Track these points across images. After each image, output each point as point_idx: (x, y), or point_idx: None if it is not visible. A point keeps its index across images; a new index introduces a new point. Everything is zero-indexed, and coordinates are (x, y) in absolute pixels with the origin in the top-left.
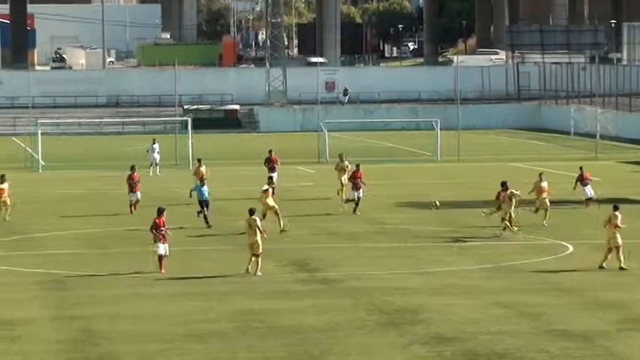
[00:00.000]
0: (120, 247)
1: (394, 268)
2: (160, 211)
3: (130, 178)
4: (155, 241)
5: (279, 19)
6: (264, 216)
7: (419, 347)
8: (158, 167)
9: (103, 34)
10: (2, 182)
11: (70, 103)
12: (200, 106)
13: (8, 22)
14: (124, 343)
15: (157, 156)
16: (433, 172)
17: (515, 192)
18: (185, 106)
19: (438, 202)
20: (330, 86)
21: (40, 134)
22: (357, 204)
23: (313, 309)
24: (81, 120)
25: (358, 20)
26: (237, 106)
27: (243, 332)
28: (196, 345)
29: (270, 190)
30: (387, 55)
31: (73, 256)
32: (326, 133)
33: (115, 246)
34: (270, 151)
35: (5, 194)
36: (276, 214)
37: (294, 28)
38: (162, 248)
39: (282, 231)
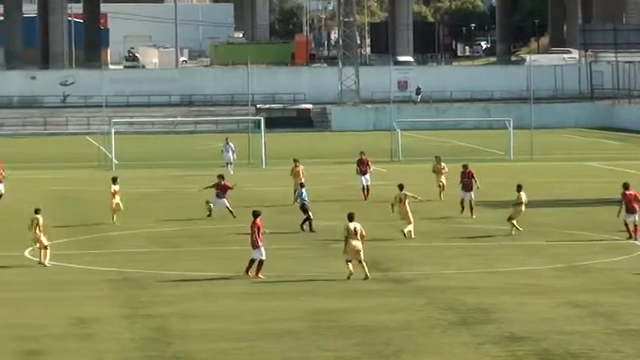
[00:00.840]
0: (192, 245)
1: (467, 268)
2: (256, 214)
3: (218, 186)
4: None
5: (351, 18)
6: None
7: (492, 347)
8: (232, 166)
9: (176, 33)
10: (115, 183)
11: (143, 102)
12: (273, 105)
13: (82, 21)
14: (197, 342)
15: (231, 155)
16: (506, 171)
17: None
18: (258, 105)
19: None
20: (402, 85)
21: (113, 133)
22: (471, 207)
23: (386, 308)
24: (154, 119)
25: (430, 19)
26: (309, 105)
27: (315, 331)
28: (268, 344)
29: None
30: (459, 54)
31: (145, 255)
32: (399, 132)
33: (188, 245)
34: (361, 153)
35: (118, 196)
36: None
37: (366, 27)
38: (261, 252)
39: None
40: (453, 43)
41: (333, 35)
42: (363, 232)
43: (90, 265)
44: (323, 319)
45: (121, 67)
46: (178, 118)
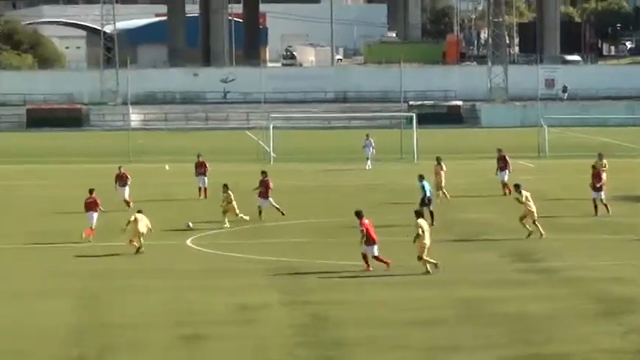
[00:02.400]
0: (347, 236)
1: (613, 259)
2: (359, 214)
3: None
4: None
5: (500, 19)
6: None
7: (637, 336)
8: (369, 161)
9: (331, 32)
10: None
11: (300, 99)
12: (424, 102)
13: (242, 20)
14: (351, 329)
15: (371, 150)
16: None
17: None
18: (410, 102)
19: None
20: (549, 83)
21: (271, 128)
22: (603, 204)
23: (534, 298)
24: (310, 114)
25: (577, 20)
26: (459, 102)
27: (465, 319)
28: (420, 331)
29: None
30: (604, 53)
31: (303, 245)
32: (545, 128)
33: (342, 235)
34: (499, 150)
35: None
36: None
37: (514, 27)
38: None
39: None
40: (599, 42)
41: (483, 35)
42: (423, 227)
43: (249, 254)
44: (472, 307)
45: (279, 64)
46: (333, 114)
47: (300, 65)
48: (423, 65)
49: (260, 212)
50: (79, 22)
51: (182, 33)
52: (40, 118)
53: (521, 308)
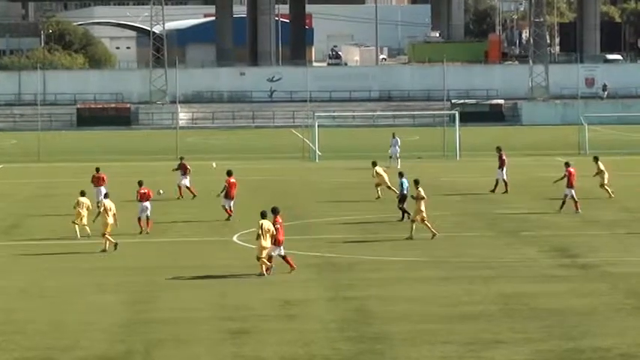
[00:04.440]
0: (389, 233)
1: None
2: (275, 211)
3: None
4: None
5: (541, 19)
6: None
7: None
8: (399, 160)
9: (376, 32)
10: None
11: (345, 97)
12: (467, 101)
13: (288, 21)
14: (395, 324)
15: (397, 149)
16: None
17: None
18: (453, 100)
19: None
20: (589, 82)
21: (317, 126)
22: (570, 201)
23: (572, 293)
24: (355, 113)
25: (617, 19)
26: (501, 101)
27: (506, 314)
28: (463, 325)
29: None
30: None
31: (344, 241)
32: (585, 126)
33: (386, 232)
34: (498, 149)
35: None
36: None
37: (555, 27)
38: (277, 249)
39: None
40: (639, 42)
41: (525, 34)
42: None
43: (294, 250)
44: (514, 303)
45: (324, 64)
46: (378, 113)
47: (346, 65)
48: (465, 64)
49: (227, 212)
50: (129, 23)
51: (230, 33)
52: (90, 117)
53: (560, 303)
